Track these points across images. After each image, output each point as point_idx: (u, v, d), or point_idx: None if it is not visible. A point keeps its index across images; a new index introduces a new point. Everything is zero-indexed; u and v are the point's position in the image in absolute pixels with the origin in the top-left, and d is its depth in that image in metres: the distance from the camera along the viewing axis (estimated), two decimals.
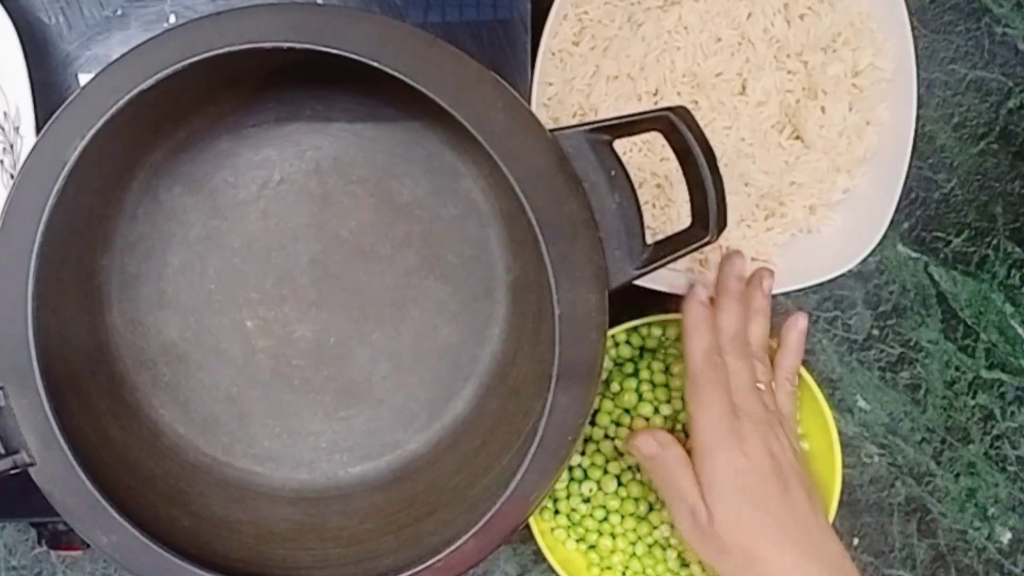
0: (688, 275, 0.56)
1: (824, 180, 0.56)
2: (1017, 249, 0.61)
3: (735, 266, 0.53)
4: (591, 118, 0.54)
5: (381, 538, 0.48)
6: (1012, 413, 0.61)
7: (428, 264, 0.52)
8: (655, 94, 0.54)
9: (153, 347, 0.51)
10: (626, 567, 0.57)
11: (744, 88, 0.54)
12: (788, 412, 0.53)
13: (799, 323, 0.54)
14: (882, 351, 0.61)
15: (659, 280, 0.53)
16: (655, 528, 0.56)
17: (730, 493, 0.49)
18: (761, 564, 0.48)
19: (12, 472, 0.43)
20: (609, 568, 0.57)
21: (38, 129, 0.50)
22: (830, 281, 0.56)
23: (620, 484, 0.56)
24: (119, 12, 0.53)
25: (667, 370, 0.56)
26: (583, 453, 0.57)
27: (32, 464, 0.43)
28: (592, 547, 0.57)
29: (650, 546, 0.57)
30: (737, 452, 0.49)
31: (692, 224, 0.45)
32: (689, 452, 0.50)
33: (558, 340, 0.43)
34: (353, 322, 0.52)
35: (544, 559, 0.55)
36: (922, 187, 0.61)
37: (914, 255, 0.61)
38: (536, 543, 0.55)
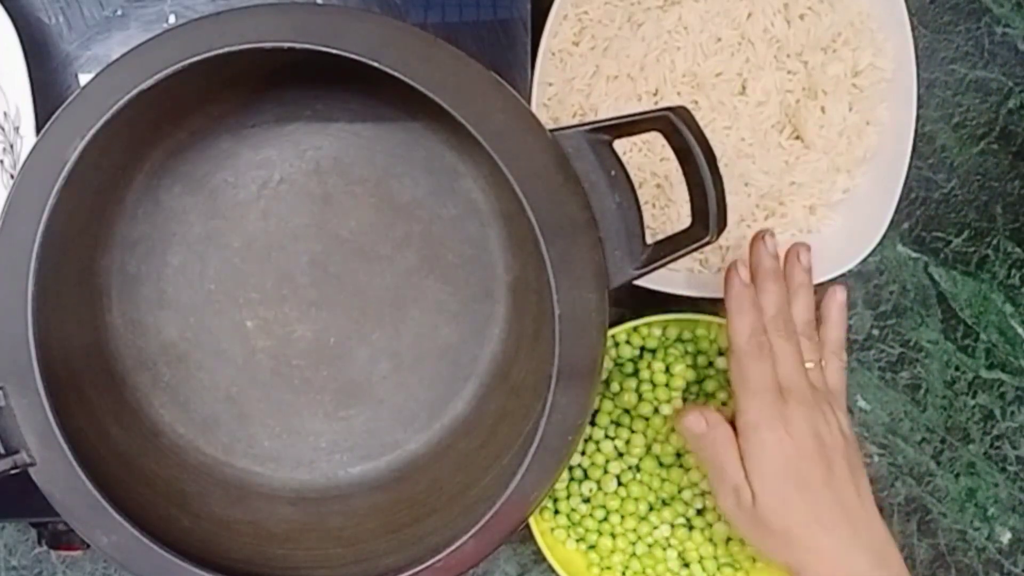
0: (688, 275, 0.56)
1: (824, 180, 0.56)
2: (1017, 249, 0.61)
3: (767, 245, 0.52)
4: (591, 118, 0.54)
5: (381, 538, 0.48)
6: (1012, 413, 0.61)
7: (428, 264, 0.52)
8: (655, 94, 0.54)
9: (153, 347, 0.51)
10: (626, 567, 0.57)
11: (744, 88, 0.54)
12: (838, 388, 0.52)
13: (838, 296, 0.53)
14: (882, 351, 0.61)
15: (659, 280, 0.53)
16: (655, 528, 0.56)
17: (775, 475, 0.49)
18: (803, 547, 0.48)
19: (12, 472, 0.43)
20: (609, 568, 0.57)
21: (38, 129, 0.50)
22: (830, 281, 0.56)
23: (620, 484, 0.56)
24: (119, 12, 0.53)
25: (667, 370, 0.56)
26: (583, 453, 0.57)
27: (32, 464, 0.43)
28: (592, 547, 0.57)
29: (650, 546, 0.57)
30: (783, 434, 0.48)
31: (692, 224, 0.45)
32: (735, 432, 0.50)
33: (558, 340, 0.43)
34: (353, 322, 0.52)
35: (544, 559, 0.55)
36: (922, 187, 0.61)
37: (914, 255, 0.61)
38: (536, 543, 0.55)
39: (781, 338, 0.50)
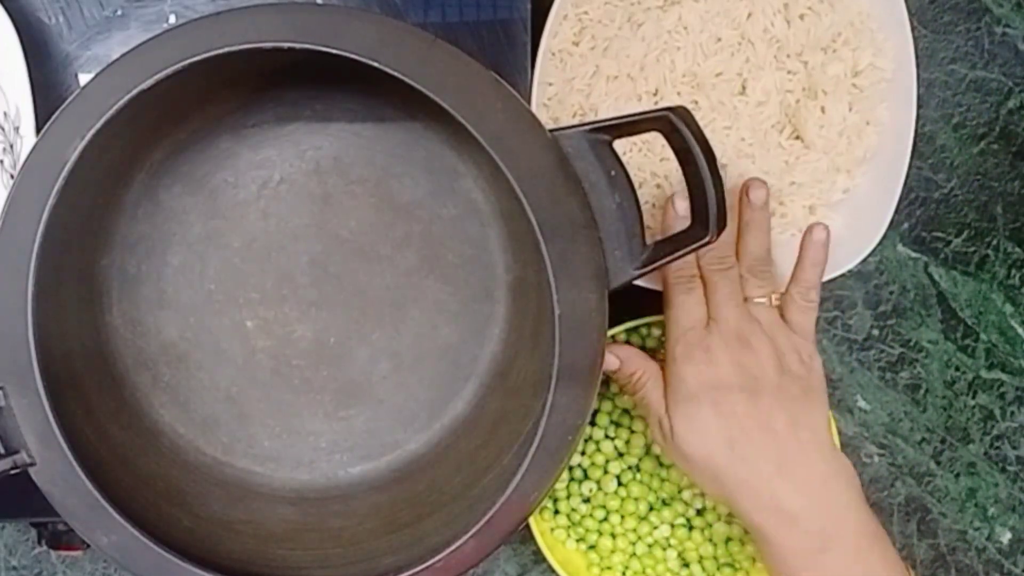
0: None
1: (824, 180, 0.56)
2: (1017, 249, 0.61)
3: None
4: (591, 118, 0.54)
5: (381, 538, 0.48)
6: (1012, 413, 0.61)
7: (428, 264, 0.52)
8: (655, 94, 0.54)
9: (153, 347, 0.51)
10: (626, 567, 0.57)
11: (744, 88, 0.54)
12: (802, 328, 0.51)
13: (815, 234, 0.53)
14: (882, 351, 0.61)
15: (659, 280, 0.53)
16: (655, 528, 0.56)
17: (689, 403, 0.49)
18: (724, 477, 0.48)
19: (12, 472, 0.43)
20: (609, 568, 0.57)
21: (38, 129, 0.50)
22: (830, 281, 0.56)
23: (620, 484, 0.56)
24: (119, 12, 0.53)
25: None
26: (583, 453, 0.57)
27: (32, 464, 0.43)
28: (592, 547, 0.57)
29: (650, 546, 0.57)
30: (701, 364, 0.49)
31: (692, 224, 0.45)
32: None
33: (558, 340, 0.43)
34: (353, 322, 0.52)
35: (544, 559, 0.55)
36: (922, 187, 0.61)
37: (914, 255, 0.61)
38: (536, 543, 0.55)
39: (713, 271, 0.50)
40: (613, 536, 0.56)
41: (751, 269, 0.51)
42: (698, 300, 0.50)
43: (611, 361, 0.51)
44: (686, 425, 0.49)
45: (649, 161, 0.55)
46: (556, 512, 0.57)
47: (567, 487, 0.57)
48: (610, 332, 0.53)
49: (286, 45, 0.42)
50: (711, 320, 0.50)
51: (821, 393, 0.51)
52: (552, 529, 0.57)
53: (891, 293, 0.61)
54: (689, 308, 0.50)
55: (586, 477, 0.57)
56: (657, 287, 0.54)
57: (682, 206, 0.50)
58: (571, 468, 0.57)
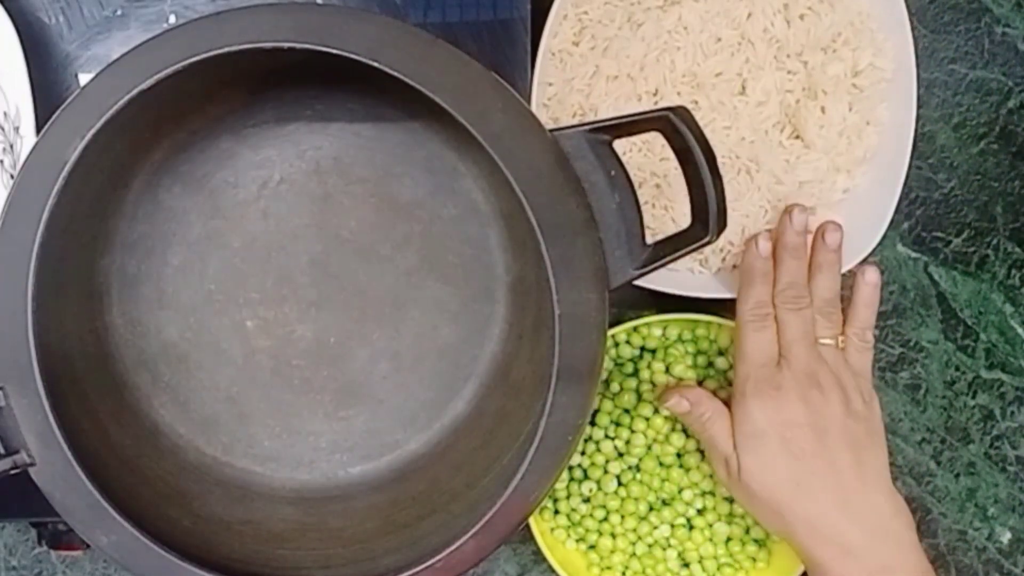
0: (688, 275, 0.56)
1: (824, 180, 0.56)
2: (1017, 249, 0.61)
3: (793, 220, 0.52)
4: (591, 118, 0.54)
5: (381, 538, 0.48)
6: (1012, 413, 0.61)
7: (428, 264, 0.52)
8: (655, 94, 0.54)
9: (153, 347, 0.51)
10: (626, 567, 0.57)
11: (744, 88, 0.54)
12: (860, 368, 0.52)
13: (868, 276, 0.53)
14: (882, 351, 0.61)
15: (659, 280, 0.53)
16: (655, 528, 0.56)
17: (758, 441, 0.49)
18: (790, 514, 0.49)
19: (12, 472, 0.43)
20: (609, 568, 0.57)
21: (38, 129, 0.50)
22: None
23: (620, 484, 0.56)
24: (119, 12, 0.53)
25: (667, 370, 0.56)
26: (583, 453, 0.57)
27: (32, 464, 0.43)
28: (592, 547, 0.57)
29: (650, 546, 0.57)
30: (770, 402, 0.49)
31: (692, 224, 0.45)
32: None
33: (558, 340, 0.43)
34: (353, 322, 0.52)
35: (544, 559, 0.55)
36: (922, 187, 0.61)
37: (914, 255, 0.61)
38: (536, 543, 0.55)
39: (788, 311, 0.51)
40: (613, 536, 0.56)
41: (821, 311, 0.52)
42: (771, 338, 0.51)
43: (682, 404, 0.52)
44: (754, 461, 0.50)
45: (649, 161, 0.55)
46: (556, 512, 0.57)
47: (567, 487, 0.57)
48: (610, 332, 0.53)
49: (286, 45, 0.42)
50: (782, 358, 0.50)
51: (882, 435, 0.52)
52: (552, 529, 0.57)
53: (891, 293, 0.61)
54: (762, 346, 0.51)
55: (586, 477, 0.57)
56: (656, 287, 0.54)
57: (764, 247, 0.52)
58: (571, 468, 0.57)
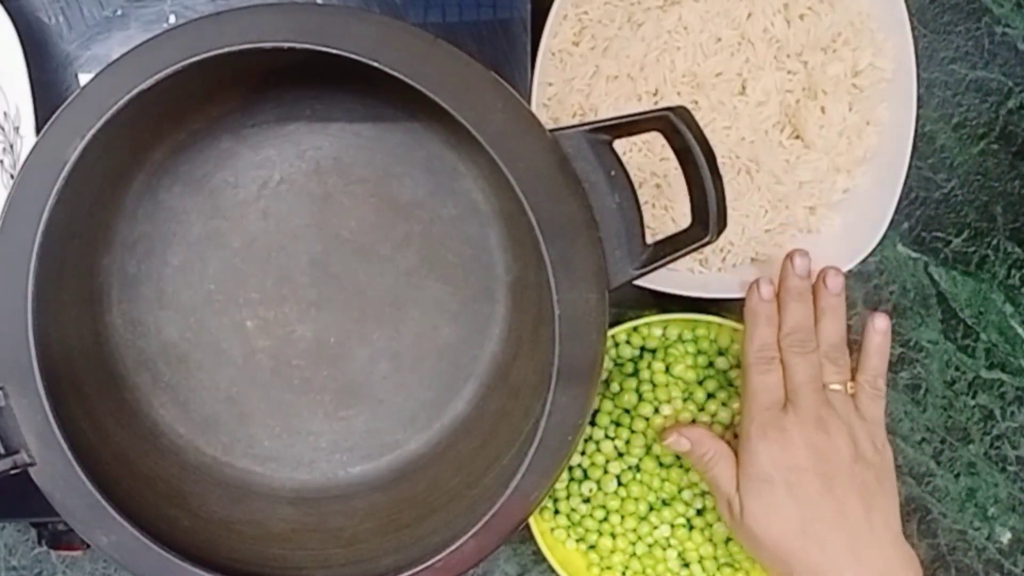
0: (688, 275, 0.56)
1: (824, 180, 0.56)
2: (1017, 249, 0.61)
3: (795, 265, 0.52)
4: (591, 118, 0.54)
5: (381, 538, 0.48)
6: (1012, 413, 0.61)
7: (428, 264, 0.52)
8: (655, 94, 0.54)
9: (153, 347, 0.51)
10: (626, 567, 0.57)
11: (744, 88, 0.54)
12: (873, 417, 0.52)
13: (877, 323, 0.53)
14: None
15: (659, 280, 0.53)
16: (655, 528, 0.56)
17: (762, 485, 0.49)
18: (794, 560, 0.48)
19: (12, 472, 0.43)
20: (609, 568, 0.57)
21: (38, 129, 0.50)
22: None
23: (620, 484, 0.56)
24: (119, 12, 0.53)
25: (667, 370, 0.56)
26: (583, 453, 0.57)
27: (32, 464, 0.43)
28: (592, 547, 0.57)
29: (650, 546, 0.57)
30: (776, 445, 0.49)
31: (692, 224, 0.45)
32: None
33: (558, 340, 0.43)
34: (353, 322, 0.52)
35: (544, 559, 0.55)
36: (922, 187, 0.61)
37: (914, 255, 0.61)
38: (536, 543, 0.55)
39: (795, 354, 0.50)
40: (613, 536, 0.56)
41: (828, 355, 0.51)
42: (777, 381, 0.50)
43: (682, 443, 0.52)
44: (758, 504, 0.49)
45: (649, 161, 0.55)
46: (556, 512, 0.57)
47: (567, 487, 0.57)
48: (610, 332, 0.53)
49: (286, 45, 0.42)
50: (788, 402, 0.50)
51: (893, 482, 0.51)
52: (552, 529, 0.57)
53: (891, 293, 0.61)
54: (769, 388, 0.50)
55: (586, 477, 0.57)
56: (656, 287, 0.54)
57: (767, 291, 0.51)
58: (571, 468, 0.57)
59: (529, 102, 0.52)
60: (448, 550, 0.43)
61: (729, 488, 0.50)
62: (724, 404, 0.56)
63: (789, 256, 0.53)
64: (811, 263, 0.53)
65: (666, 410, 0.56)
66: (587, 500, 0.57)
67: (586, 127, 0.44)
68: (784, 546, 0.48)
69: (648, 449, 0.56)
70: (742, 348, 0.52)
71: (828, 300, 0.52)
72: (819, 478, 0.49)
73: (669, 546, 0.57)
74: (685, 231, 0.45)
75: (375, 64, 0.42)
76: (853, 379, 0.53)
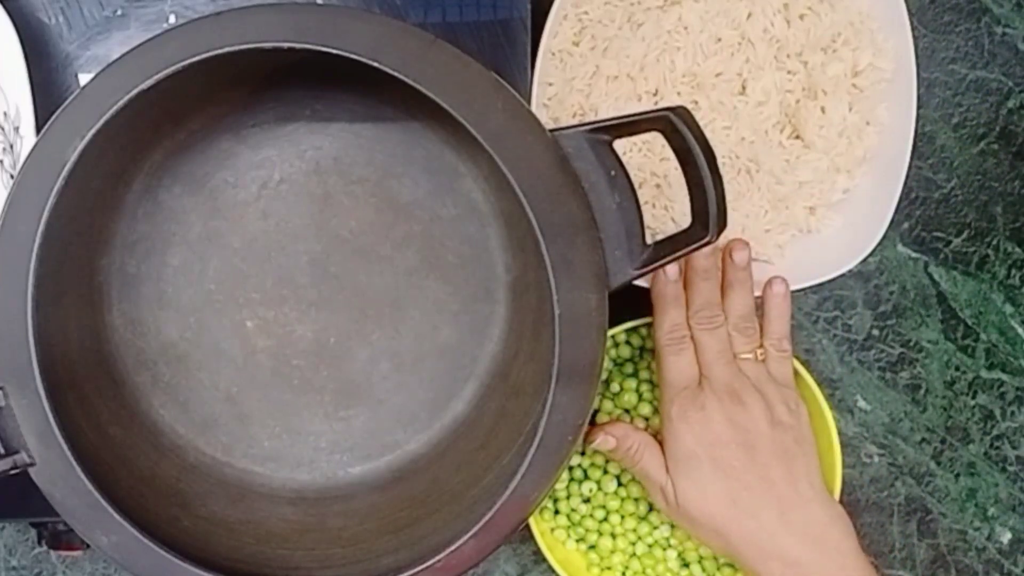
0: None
1: (824, 180, 0.56)
2: (1017, 249, 0.61)
3: None
4: (591, 118, 0.54)
5: (381, 538, 0.48)
6: (1012, 413, 0.61)
7: (428, 264, 0.52)
8: (655, 94, 0.54)
9: (153, 347, 0.51)
10: (626, 567, 0.57)
11: (744, 88, 0.54)
12: (783, 379, 0.53)
13: (775, 288, 0.54)
14: (882, 351, 0.61)
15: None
16: (655, 528, 0.56)
17: (689, 464, 0.50)
18: (730, 532, 0.50)
19: (12, 472, 0.43)
20: (609, 568, 0.57)
21: (38, 129, 0.50)
22: (830, 281, 0.56)
23: (620, 484, 0.56)
24: (119, 12, 0.53)
25: None
26: (583, 453, 0.57)
27: (32, 464, 0.43)
28: (592, 547, 0.57)
29: (650, 546, 0.57)
30: (696, 423, 0.50)
31: (692, 224, 0.45)
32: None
33: (558, 340, 0.43)
34: (353, 322, 0.52)
35: (544, 559, 0.55)
36: (922, 187, 0.61)
37: (914, 255, 0.61)
38: (536, 543, 0.55)
39: (703, 331, 0.51)
40: (613, 536, 0.56)
41: (737, 327, 0.52)
42: (689, 360, 0.51)
43: (608, 441, 0.53)
44: (687, 484, 0.50)
45: (649, 161, 0.55)
46: (556, 512, 0.57)
47: (567, 487, 0.57)
48: (610, 332, 0.53)
49: (286, 45, 0.42)
50: (703, 378, 0.51)
51: (811, 442, 0.52)
52: (552, 529, 0.57)
53: (891, 293, 0.61)
54: (681, 368, 0.51)
55: (586, 477, 0.57)
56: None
57: (673, 271, 0.51)
58: (571, 468, 0.57)
59: (529, 102, 0.52)
60: (448, 550, 0.43)
61: (659, 475, 0.51)
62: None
63: None
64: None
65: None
66: (587, 500, 0.57)
67: (586, 127, 0.44)
68: (719, 520, 0.50)
69: None
70: (653, 332, 0.52)
71: (736, 274, 0.52)
72: (741, 449, 0.50)
73: (669, 546, 0.57)
74: (685, 231, 0.45)
75: (375, 64, 0.42)
76: (760, 346, 0.53)
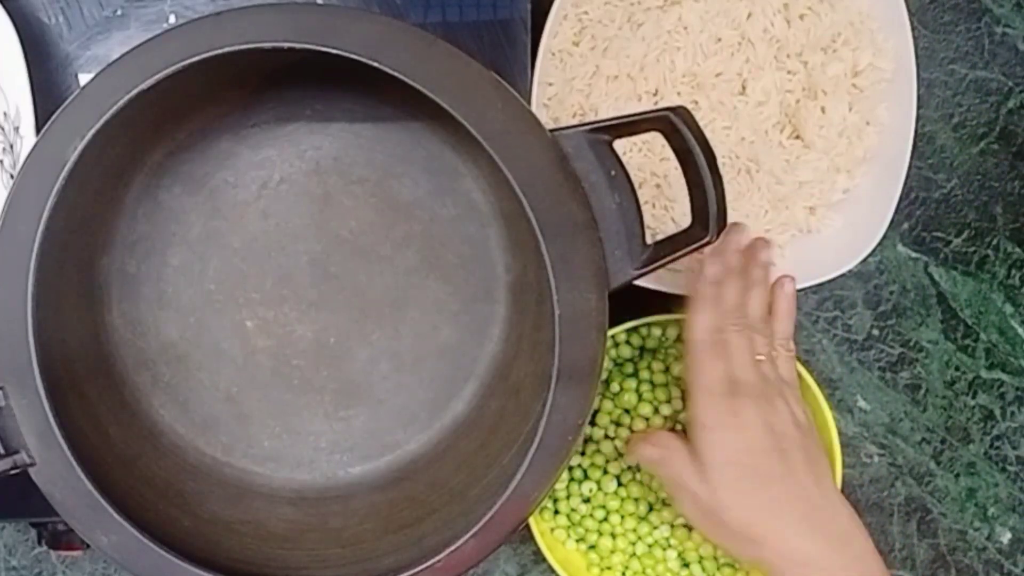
0: (688, 275, 0.56)
1: (824, 180, 0.56)
2: (1017, 249, 0.61)
3: (736, 240, 0.51)
4: (591, 118, 0.54)
5: (381, 538, 0.48)
6: (1012, 413, 0.61)
7: (428, 264, 0.52)
8: (655, 94, 0.54)
9: (153, 347, 0.51)
10: (626, 567, 0.57)
11: (744, 88, 0.54)
12: (790, 379, 0.52)
13: (786, 288, 0.52)
14: (882, 351, 0.61)
15: (659, 280, 0.53)
16: (655, 528, 0.56)
17: (727, 472, 0.48)
18: (764, 542, 0.48)
19: (12, 472, 0.43)
20: (609, 568, 0.57)
21: (38, 129, 0.50)
22: (830, 281, 0.56)
23: (620, 484, 0.56)
24: (119, 12, 0.53)
25: (667, 370, 0.56)
26: (583, 453, 0.57)
27: (32, 464, 0.43)
28: (592, 547, 0.57)
29: (650, 546, 0.57)
30: (733, 430, 0.48)
31: (692, 224, 0.45)
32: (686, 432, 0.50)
33: (558, 340, 0.43)
34: (353, 322, 0.52)
35: (544, 559, 0.55)
36: (922, 187, 0.61)
37: (914, 255, 0.61)
38: (536, 543, 0.55)
39: (735, 333, 0.49)
40: (613, 536, 0.56)
41: (755, 327, 0.51)
42: (726, 364, 0.49)
43: (654, 452, 0.50)
44: (727, 493, 0.48)
45: (649, 161, 0.55)
46: (556, 512, 0.57)
47: (567, 487, 0.57)
48: (610, 332, 0.53)
49: (286, 45, 0.42)
50: (734, 382, 0.49)
51: (820, 441, 0.51)
52: (552, 529, 0.57)
53: (891, 293, 0.61)
54: (719, 372, 0.49)
55: (586, 477, 0.57)
56: (656, 287, 0.54)
57: (714, 272, 0.50)
58: (571, 468, 0.57)
59: (529, 102, 0.52)
60: (448, 550, 0.43)
61: (691, 482, 0.49)
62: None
63: (729, 231, 0.51)
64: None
65: (666, 410, 0.56)
66: (587, 500, 0.57)
67: (586, 127, 0.44)
68: (757, 529, 0.48)
69: None
70: (686, 332, 0.50)
71: (759, 273, 0.51)
72: (776, 454, 0.48)
73: (669, 546, 0.57)
74: (685, 231, 0.45)
75: (375, 64, 0.42)
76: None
